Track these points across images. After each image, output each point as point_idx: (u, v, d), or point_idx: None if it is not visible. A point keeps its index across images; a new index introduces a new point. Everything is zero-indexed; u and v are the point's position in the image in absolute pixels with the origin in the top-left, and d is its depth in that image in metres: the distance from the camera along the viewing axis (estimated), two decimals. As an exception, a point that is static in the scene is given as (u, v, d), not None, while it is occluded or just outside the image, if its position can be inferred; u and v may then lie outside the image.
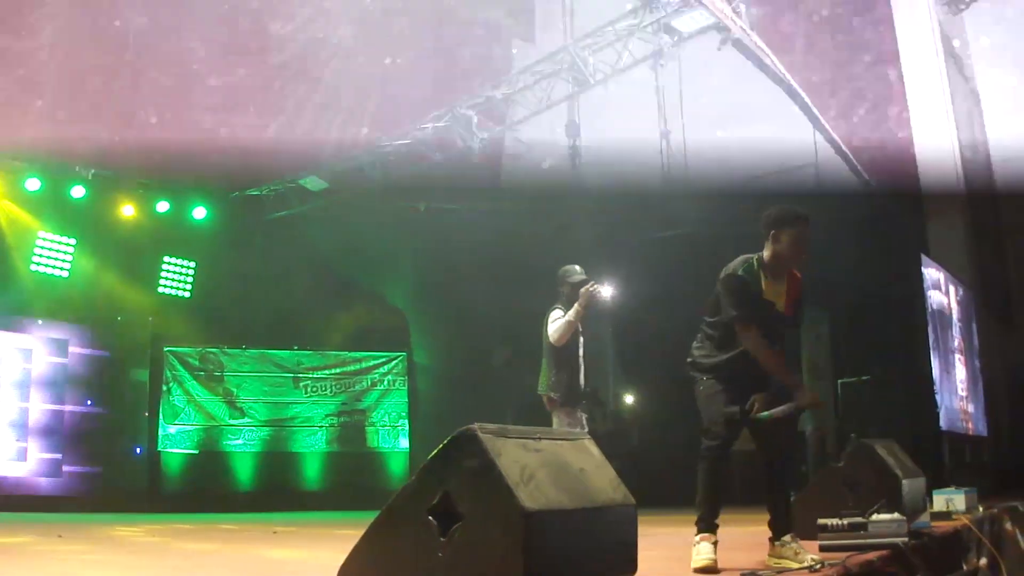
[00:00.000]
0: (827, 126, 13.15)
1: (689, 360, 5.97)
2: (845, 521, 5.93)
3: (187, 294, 17.41)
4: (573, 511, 3.34)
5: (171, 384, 17.13)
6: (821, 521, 6.00)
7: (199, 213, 16.98)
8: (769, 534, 5.63)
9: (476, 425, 3.40)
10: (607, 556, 3.52)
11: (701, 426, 5.71)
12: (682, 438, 16.28)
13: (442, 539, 3.36)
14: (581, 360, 7.60)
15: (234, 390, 17.47)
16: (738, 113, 13.57)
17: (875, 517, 5.93)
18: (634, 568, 3.63)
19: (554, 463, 3.50)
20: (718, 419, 5.61)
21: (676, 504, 14.17)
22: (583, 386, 7.60)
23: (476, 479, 3.30)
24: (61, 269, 15.88)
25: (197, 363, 17.35)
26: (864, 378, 14.18)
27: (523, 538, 3.10)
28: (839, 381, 14.71)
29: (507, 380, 16.85)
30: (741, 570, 4.53)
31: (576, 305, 7.34)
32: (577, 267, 7.62)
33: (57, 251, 15.85)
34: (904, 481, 6.73)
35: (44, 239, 15.71)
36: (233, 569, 6.28)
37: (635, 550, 3.65)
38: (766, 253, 5.78)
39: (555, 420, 7.44)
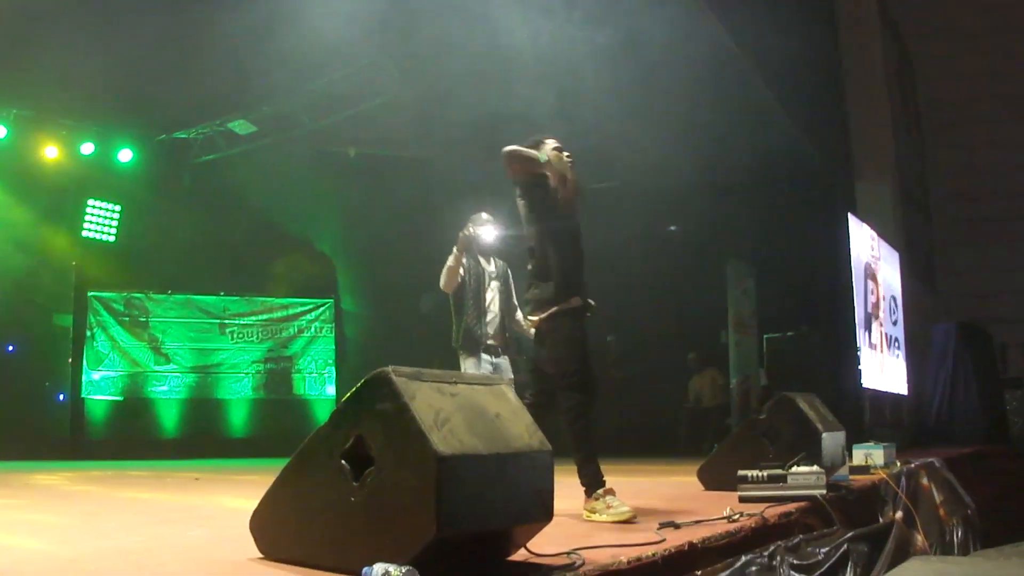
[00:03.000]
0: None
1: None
2: (764, 473, 5.99)
3: (112, 238, 17.11)
4: (487, 456, 3.29)
5: (95, 330, 16.88)
6: (741, 472, 6.05)
7: (125, 156, 16.67)
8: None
9: (390, 368, 3.33)
10: (522, 503, 3.47)
11: (568, 378, 5.50)
12: (607, 392, 16.43)
13: (355, 484, 3.30)
14: (488, 307, 7.47)
15: (159, 336, 17.26)
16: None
17: (794, 469, 5.99)
18: (550, 515, 3.59)
19: (469, 408, 3.44)
20: (584, 364, 5.52)
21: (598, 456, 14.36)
22: (491, 334, 7.45)
23: (389, 423, 3.23)
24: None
25: (122, 308, 17.10)
26: (789, 334, 14.35)
27: (435, 483, 3.04)
28: (764, 336, 14.87)
29: (435, 327, 16.83)
30: (660, 521, 4.52)
31: (455, 248, 7.28)
32: (484, 215, 7.52)
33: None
34: (824, 434, 6.78)
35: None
36: (148, 514, 6.19)
37: (551, 497, 3.60)
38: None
39: (462, 369, 7.36)
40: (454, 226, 15.00)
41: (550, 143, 5.85)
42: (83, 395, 16.62)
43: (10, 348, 15.96)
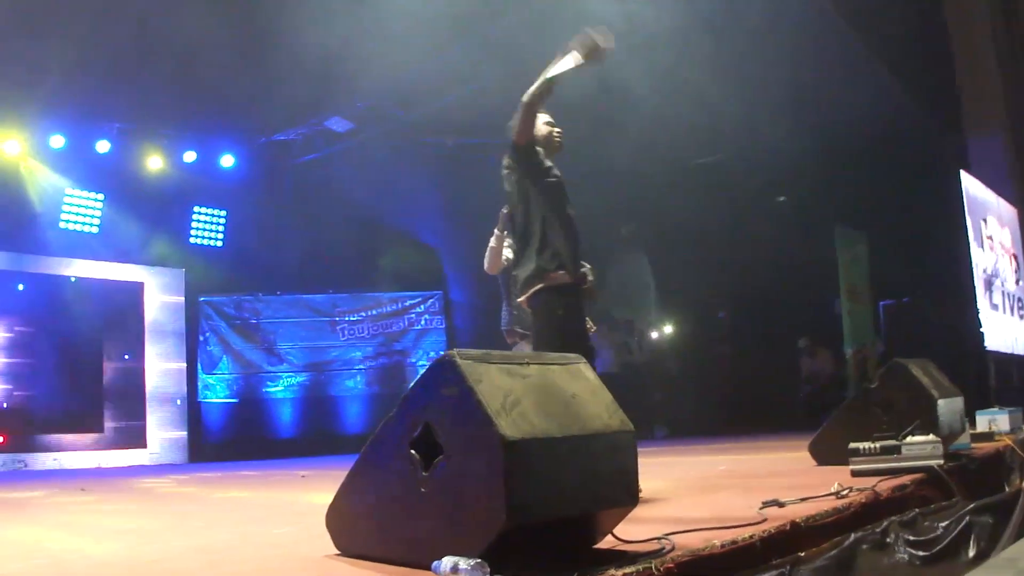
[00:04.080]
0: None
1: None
2: (877, 444, 5.68)
3: (219, 243, 17.38)
4: (561, 439, 3.10)
5: (208, 334, 17.17)
6: (852, 445, 5.75)
7: (227, 161, 16.87)
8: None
9: (455, 351, 3.18)
10: (603, 487, 3.27)
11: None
12: (719, 368, 16.13)
13: (424, 473, 3.16)
14: None
15: (271, 337, 17.46)
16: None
17: (909, 439, 5.68)
18: (635, 499, 3.39)
19: (542, 389, 3.25)
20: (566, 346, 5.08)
21: (712, 433, 14.11)
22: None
23: (455, 408, 3.08)
24: (91, 225, 15.86)
25: (233, 311, 17.35)
26: (904, 300, 13.85)
27: (504, 469, 2.87)
28: (879, 303, 14.39)
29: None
30: (763, 499, 4.29)
31: (495, 229, 7.02)
32: None
33: (86, 207, 15.85)
34: (940, 401, 6.41)
35: (72, 195, 15.69)
36: (241, 512, 6.18)
37: (635, 480, 3.40)
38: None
39: None
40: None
41: (542, 117, 5.65)
42: (199, 399, 16.90)
43: (126, 356, 16.30)
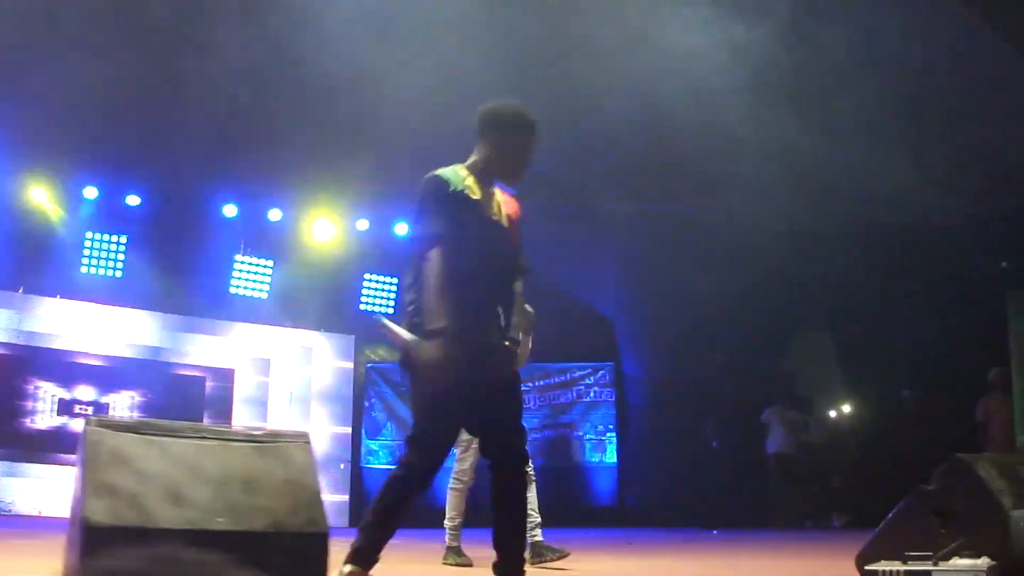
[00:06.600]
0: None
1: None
2: (902, 568, 4.62)
3: (390, 311, 17.37)
4: (171, 531, 2.50)
5: (373, 400, 17.17)
6: (870, 567, 4.70)
7: (401, 229, 16.93)
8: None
9: (95, 417, 2.67)
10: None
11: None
12: (911, 453, 14.66)
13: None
14: None
15: (437, 405, 17.25)
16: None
17: (952, 562, 4.57)
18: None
19: (198, 469, 2.66)
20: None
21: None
22: None
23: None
24: (260, 291, 16.33)
25: (399, 378, 17.12)
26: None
27: (81, 557, 2.34)
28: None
29: (719, 387, 16.27)
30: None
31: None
32: None
33: (256, 273, 16.36)
34: (1014, 513, 5.04)
35: (242, 262, 16.25)
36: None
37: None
38: (476, 158, 4.56)
39: None
40: (758, 281, 13.86)
41: None
42: (363, 464, 16.84)
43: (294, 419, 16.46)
